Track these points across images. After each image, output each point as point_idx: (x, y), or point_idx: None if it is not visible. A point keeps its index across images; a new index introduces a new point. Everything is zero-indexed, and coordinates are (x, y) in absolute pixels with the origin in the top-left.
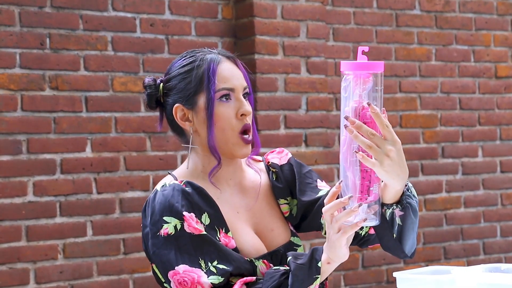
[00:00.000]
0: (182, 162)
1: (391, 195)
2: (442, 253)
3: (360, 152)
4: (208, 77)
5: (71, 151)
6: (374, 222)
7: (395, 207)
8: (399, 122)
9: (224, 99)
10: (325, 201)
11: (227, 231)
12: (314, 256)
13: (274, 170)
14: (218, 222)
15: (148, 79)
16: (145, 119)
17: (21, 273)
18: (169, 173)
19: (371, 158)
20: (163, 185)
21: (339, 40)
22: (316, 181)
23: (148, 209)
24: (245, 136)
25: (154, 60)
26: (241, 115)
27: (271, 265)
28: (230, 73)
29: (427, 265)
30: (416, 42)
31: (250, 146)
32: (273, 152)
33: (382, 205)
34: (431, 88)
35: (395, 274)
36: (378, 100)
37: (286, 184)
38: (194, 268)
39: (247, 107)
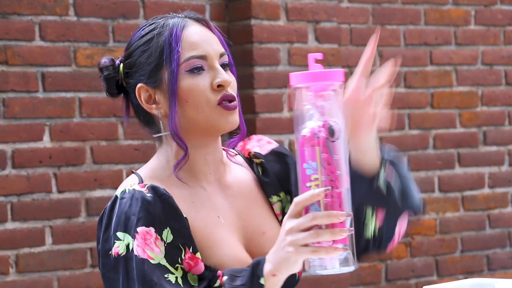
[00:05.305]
0: None
1: (369, 166)
2: (485, 262)
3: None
4: (169, 45)
5: (25, 140)
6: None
7: (383, 172)
8: (430, 102)
9: (195, 71)
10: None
11: (195, 251)
12: (256, 272)
13: (258, 161)
14: (184, 239)
15: (104, 59)
16: (117, 101)
17: None
18: (133, 172)
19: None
20: (122, 191)
21: (355, 1)
22: None
23: (104, 220)
24: (225, 103)
25: (127, 27)
26: (218, 86)
27: None
28: (199, 38)
29: (466, 278)
30: (451, 1)
31: (236, 112)
32: (250, 140)
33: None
34: (470, 59)
35: None
36: (340, 118)
37: (275, 177)
38: None
39: (225, 75)
